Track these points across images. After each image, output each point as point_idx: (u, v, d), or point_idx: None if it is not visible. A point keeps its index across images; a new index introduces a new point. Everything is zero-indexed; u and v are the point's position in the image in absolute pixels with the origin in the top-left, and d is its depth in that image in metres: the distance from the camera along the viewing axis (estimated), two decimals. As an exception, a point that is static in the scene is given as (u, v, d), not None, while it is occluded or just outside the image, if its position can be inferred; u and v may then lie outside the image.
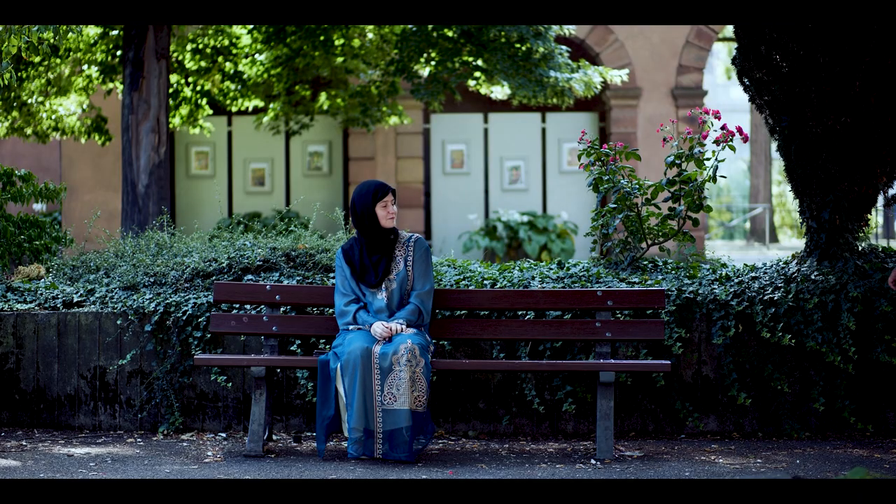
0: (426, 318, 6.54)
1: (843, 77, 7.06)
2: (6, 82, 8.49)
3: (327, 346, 6.99)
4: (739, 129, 7.45)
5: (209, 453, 6.57)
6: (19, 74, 12.81)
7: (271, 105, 15.66)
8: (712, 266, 7.61)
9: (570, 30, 15.15)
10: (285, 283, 7.15)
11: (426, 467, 6.16)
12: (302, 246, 7.54)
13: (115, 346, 7.22)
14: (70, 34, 11.65)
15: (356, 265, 6.53)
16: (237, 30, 14.38)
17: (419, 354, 6.26)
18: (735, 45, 8.48)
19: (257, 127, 16.62)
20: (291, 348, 7.08)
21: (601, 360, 6.61)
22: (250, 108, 15.87)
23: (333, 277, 7.23)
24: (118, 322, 7.21)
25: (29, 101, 13.93)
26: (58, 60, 13.26)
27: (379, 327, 6.39)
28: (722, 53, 37.54)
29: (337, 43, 14.24)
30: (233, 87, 14.89)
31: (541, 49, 13.43)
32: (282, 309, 6.93)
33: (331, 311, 7.03)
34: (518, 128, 20.10)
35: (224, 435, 7.09)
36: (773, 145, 15.43)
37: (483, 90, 14.49)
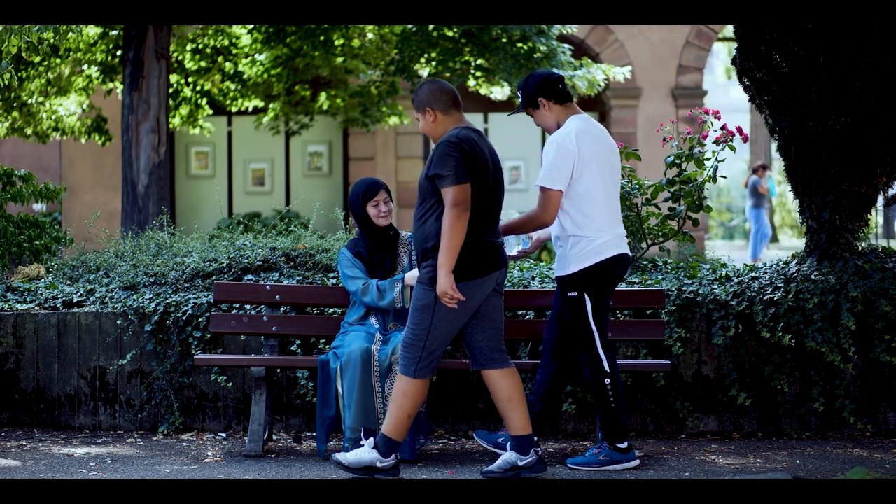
0: None
1: (843, 77, 7.06)
2: (6, 82, 8.49)
3: (327, 346, 6.99)
4: (739, 129, 7.44)
5: (209, 453, 6.57)
6: (19, 74, 12.81)
7: (271, 105, 15.65)
8: (712, 266, 7.61)
9: (570, 29, 15.16)
10: (285, 283, 7.14)
11: (426, 467, 6.16)
12: (302, 246, 7.54)
13: (115, 346, 7.22)
14: (70, 34, 11.64)
15: (365, 261, 6.51)
16: (237, 30, 14.38)
17: (418, 354, 6.25)
18: (735, 45, 8.49)
19: (257, 127, 16.62)
20: (291, 348, 7.07)
21: (601, 360, 6.59)
22: (250, 108, 15.87)
23: (334, 277, 7.23)
24: (118, 322, 7.21)
25: (29, 101, 13.93)
26: (58, 60, 13.26)
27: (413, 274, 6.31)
28: (722, 53, 37.52)
29: (337, 43, 14.24)
30: (233, 87, 14.89)
31: (543, 48, 13.43)
32: (282, 309, 6.93)
33: (331, 310, 7.03)
34: (518, 128, 20.09)
35: (224, 435, 7.09)
36: (773, 145, 15.42)
37: (483, 90, 14.48)
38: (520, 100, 6.21)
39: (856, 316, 6.93)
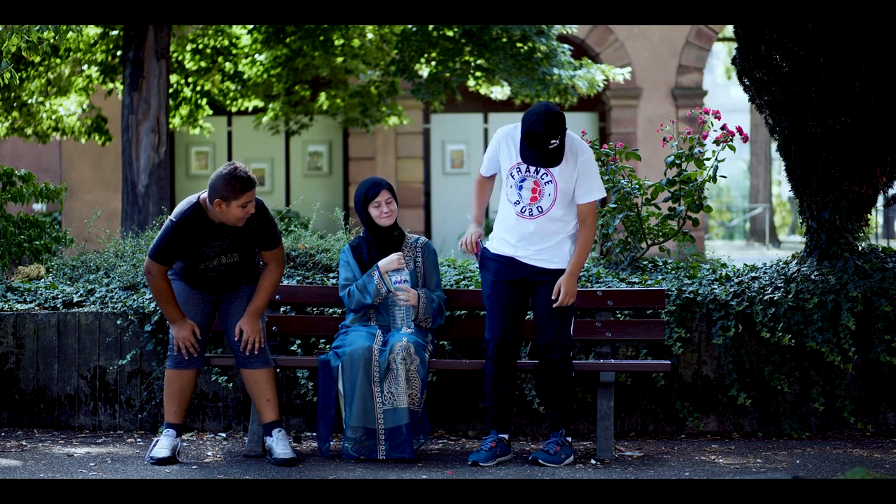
0: (441, 320, 6.54)
1: (843, 77, 7.07)
2: (6, 82, 8.48)
3: (327, 346, 6.99)
4: (739, 129, 7.45)
5: (209, 453, 6.57)
6: (19, 74, 12.80)
7: (271, 105, 15.65)
8: (712, 266, 7.61)
9: (570, 29, 15.16)
10: (285, 282, 7.14)
11: (426, 467, 6.16)
12: (302, 246, 7.54)
13: (115, 346, 7.22)
14: (70, 34, 11.63)
15: (365, 262, 6.51)
16: (237, 30, 14.37)
17: (414, 353, 6.26)
18: (735, 45, 8.49)
19: (256, 127, 16.62)
20: (291, 348, 7.07)
21: (601, 360, 6.60)
22: (250, 108, 15.87)
23: (333, 277, 7.23)
24: (118, 322, 7.21)
25: (29, 101, 13.92)
26: (58, 60, 13.26)
27: (394, 258, 6.43)
28: (722, 53, 37.55)
29: (337, 43, 14.23)
30: (233, 87, 14.88)
31: (543, 47, 13.43)
32: (282, 309, 6.93)
33: (331, 310, 7.03)
34: (518, 128, 20.09)
35: (224, 435, 7.09)
36: (773, 145, 15.41)
37: (483, 90, 14.49)
38: (555, 145, 6.05)
39: (856, 316, 6.93)
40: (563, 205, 6.21)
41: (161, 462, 6.20)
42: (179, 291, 6.37)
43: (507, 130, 6.28)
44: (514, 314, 6.25)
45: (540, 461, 6.19)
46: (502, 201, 6.34)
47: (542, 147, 6.01)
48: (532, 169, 6.20)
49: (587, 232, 6.21)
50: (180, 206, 6.32)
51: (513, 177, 6.26)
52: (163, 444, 6.27)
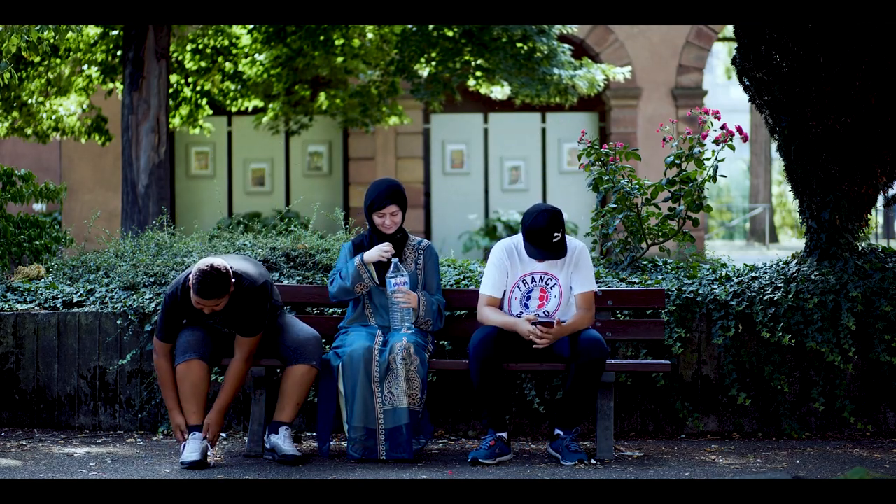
0: (441, 324, 6.54)
1: (843, 77, 7.06)
2: (6, 82, 8.48)
3: (327, 347, 6.99)
4: (739, 129, 7.45)
5: (209, 453, 6.56)
6: (19, 74, 12.80)
7: (271, 105, 15.65)
8: (712, 266, 7.61)
9: (570, 29, 15.15)
10: (285, 283, 7.14)
11: (426, 467, 6.16)
12: (302, 246, 7.53)
13: (115, 346, 7.22)
14: (70, 34, 11.62)
15: None
16: (237, 30, 14.37)
17: (414, 353, 6.26)
18: (735, 45, 8.49)
19: (256, 127, 16.61)
20: (291, 348, 7.07)
21: (601, 360, 6.60)
22: (250, 108, 15.87)
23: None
24: (118, 322, 7.21)
25: (29, 101, 13.92)
26: (58, 60, 13.26)
27: (381, 248, 6.42)
28: (722, 53, 37.54)
29: (337, 43, 14.23)
30: (233, 87, 14.87)
31: (543, 47, 13.43)
32: (282, 309, 6.92)
33: (331, 310, 7.02)
34: (518, 128, 20.10)
35: (224, 435, 7.09)
36: (773, 145, 15.41)
37: (483, 90, 14.48)
38: (558, 238, 6.30)
39: (856, 316, 6.93)
40: (565, 305, 6.41)
41: (193, 466, 6.08)
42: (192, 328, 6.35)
43: (506, 245, 6.45)
44: (500, 332, 6.33)
45: (563, 463, 6.21)
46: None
47: (546, 241, 6.24)
48: (537, 278, 6.39)
49: (584, 314, 6.38)
50: (171, 284, 6.31)
51: (519, 289, 6.42)
52: (191, 448, 6.15)
